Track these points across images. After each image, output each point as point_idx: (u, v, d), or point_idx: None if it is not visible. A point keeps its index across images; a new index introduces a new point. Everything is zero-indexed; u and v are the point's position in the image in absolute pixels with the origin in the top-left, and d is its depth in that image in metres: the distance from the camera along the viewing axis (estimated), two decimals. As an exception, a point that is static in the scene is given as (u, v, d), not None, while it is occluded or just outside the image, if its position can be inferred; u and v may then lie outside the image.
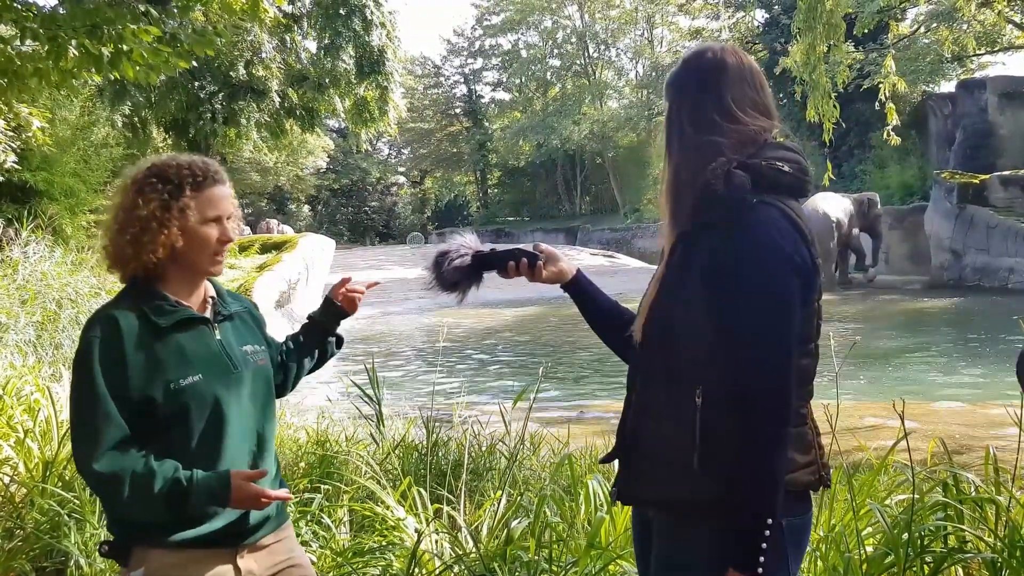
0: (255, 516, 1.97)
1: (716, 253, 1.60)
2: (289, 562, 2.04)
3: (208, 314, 2.00)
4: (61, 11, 5.27)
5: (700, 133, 1.69)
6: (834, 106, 10.54)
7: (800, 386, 1.67)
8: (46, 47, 5.11)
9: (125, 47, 5.13)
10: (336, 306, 2.29)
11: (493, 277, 2.05)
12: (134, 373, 1.84)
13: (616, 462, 1.87)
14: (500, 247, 2.02)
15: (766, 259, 1.58)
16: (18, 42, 5.30)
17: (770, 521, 1.57)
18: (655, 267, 1.84)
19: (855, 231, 21.42)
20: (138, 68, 5.23)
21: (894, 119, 11.97)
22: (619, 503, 1.88)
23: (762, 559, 1.57)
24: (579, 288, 2.01)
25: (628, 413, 1.78)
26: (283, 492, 1.94)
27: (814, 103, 10.64)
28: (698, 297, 1.61)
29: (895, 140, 12.73)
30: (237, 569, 1.94)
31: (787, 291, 1.59)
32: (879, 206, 21.99)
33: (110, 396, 1.82)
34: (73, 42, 5.03)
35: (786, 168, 1.67)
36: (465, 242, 1.99)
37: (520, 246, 2.00)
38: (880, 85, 12.56)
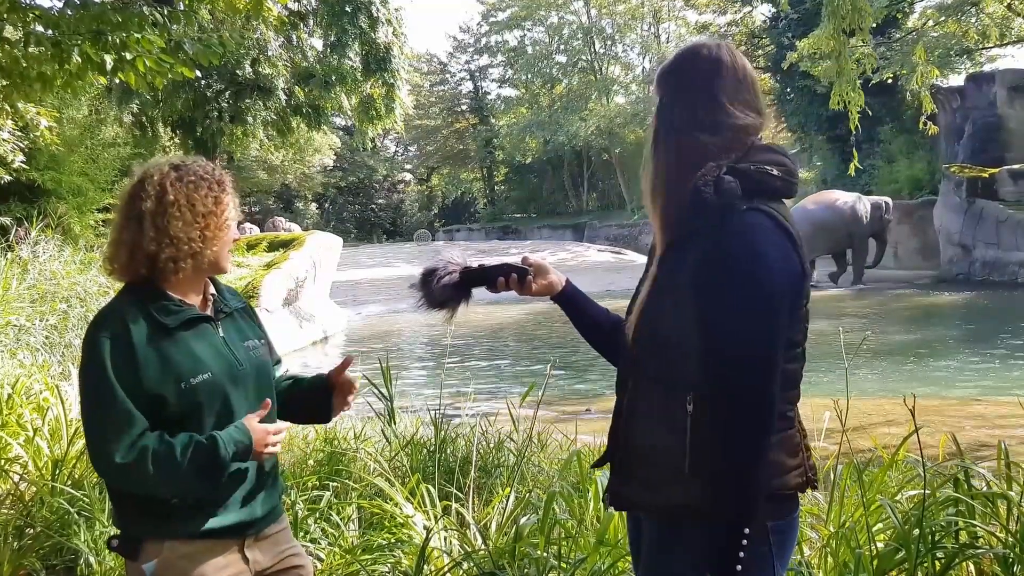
0: (263, 508, 2.01)
1: (705, 259, 1.59)
2: (290, 551, 2.10)
3: (210, 312, 2.02)
4: (69, 13, 5.25)
5: (691, 131, 1.68)
6: (858, 93, 10.37)
7: (787, 389, 1.67)
8: (50, 52, 5.11)
9: (128, 55, 5.11)
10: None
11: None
12: (146, 371, 1.85)
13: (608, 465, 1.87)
14: (488, 262, 2.00)
15: (754, 265, 1.57)
16: (23, 46, 5.30)
17: (747, 531, 1.56)
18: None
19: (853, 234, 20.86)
20: (142, 73, 5.22)
21: (931, 107, 11.78)
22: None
23: (739, 568, 1.56)
24: (568, 299, 2.01)
25: (619, 417, 1.78)
26: (283, 424, 2.03)
27: (839, 90, 10.46)
28: (688, 303, 1.61)
29: (933, 129, 12.59)
30: (245, 559, 1.99)
31: (773, 296, 1.58)
32: (884, 211, 20.74)
33: (123, 391, 1.82)
34: (76, 49, 5.02)
35: (775, 172, 1.66)
36: (452, 259, 1.98)
37: (508, 260, 1.98)
38: (890, 78, 12.45)
